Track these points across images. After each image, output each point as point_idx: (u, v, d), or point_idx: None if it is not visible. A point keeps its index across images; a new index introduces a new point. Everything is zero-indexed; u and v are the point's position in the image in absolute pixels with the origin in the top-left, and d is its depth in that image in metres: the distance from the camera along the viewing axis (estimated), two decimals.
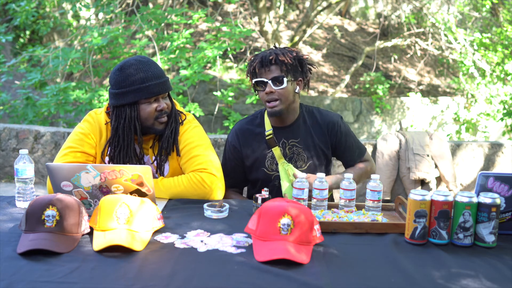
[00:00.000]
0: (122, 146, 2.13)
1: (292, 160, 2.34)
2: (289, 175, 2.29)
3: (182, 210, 1.93)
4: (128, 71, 2.07)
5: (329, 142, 2.38)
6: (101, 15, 8.11)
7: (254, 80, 2.27)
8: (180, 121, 2.23)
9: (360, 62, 9.44)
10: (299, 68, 2.27)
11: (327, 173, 2.44)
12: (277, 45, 2.61)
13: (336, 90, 9.14)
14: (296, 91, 2.29)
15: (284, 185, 2.30)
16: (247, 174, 2.42)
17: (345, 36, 11.04)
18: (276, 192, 2.35)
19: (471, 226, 1.61)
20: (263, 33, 8.45)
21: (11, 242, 1.54)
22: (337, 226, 1.71)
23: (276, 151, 2.33)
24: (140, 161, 2.20)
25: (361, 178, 2.42)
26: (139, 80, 2.06)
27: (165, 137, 2.16)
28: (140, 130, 2.13)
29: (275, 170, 2.36)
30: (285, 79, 2.21)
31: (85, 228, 1.61)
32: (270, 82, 2.22)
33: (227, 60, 8.76)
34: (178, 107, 2.28)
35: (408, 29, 9.71)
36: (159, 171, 2.21)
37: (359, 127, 8.71)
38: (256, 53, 2.38)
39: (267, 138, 2.34)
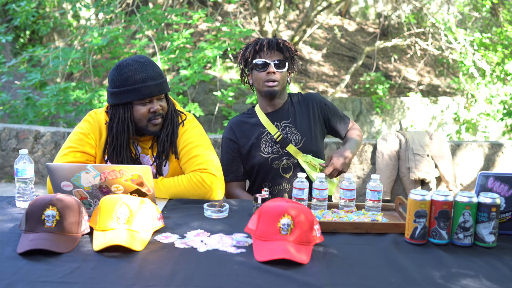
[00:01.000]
0: (115, 146, 2.13)
1: (287, 139, 2.44)
2: (314, 165, 2.41)
3: (182, 210, 1.93)
4: (123, 71, 2.07)
5: (320, 117, 2.52)
6: (101, 15, 8.11)
7: (255, 61, 2.38)
8: (181, 121, 2.23)
9: (360, 62, 9.44)
10: (292, 60, 2.44)
11: (320, 147, 2.54)
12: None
13: (336, 90, 9.14)
14: (288, 79, 2.49)
15: (314, 176, 2.40)
16: (244, 163, 2.49)
17: (345, 36, 11.04)
18: (274, 174, 2.44)
19: (471, 226, 1.61)
20: (263, 33, 8.44)
21: (11, 242, 1.54)
22: (337, 226, 1.71)
23: (291, 148, 2.43)
24: (135, 161, 2.19)
25: (359, 144, 2.56)
26: (134, 81, 2.06)
27: (161, 140, 2.16)
28: (133, 130, 2.13)
29: (270, 153, 2.44)
30: (286, 63, 2.40)
31: (85, 228, 1.61)
32: (272, 64, 2.37)
33: (227, 60, 8.76)
34: (178, 107, 2.28)
35: (408, 29, 9.71)
36: (158, 173, 2.20)
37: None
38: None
39: (277, 140, 2.43)
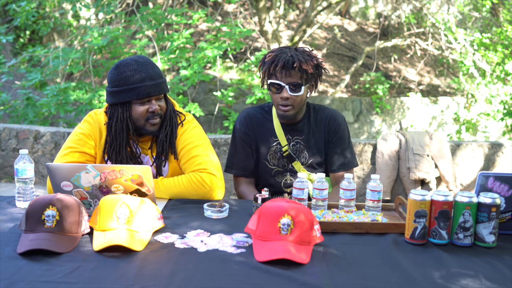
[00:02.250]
0: (115, 145, 2.14)
1: (294, 156, 2.36)
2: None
3: (182, 210, 1.93)
4: (122, 70, 2.08)
5: (327, 138, 2.38)
6: (101, 15, 8.10)
7: (270, 81, 2.23)
8: (180, 121, 2.23)
9: (360, 62, 9.43)
10: (316, 75, 2.26)
11: (325, 173, 2.44)
12: (292, 46, 2.45)
13: (336, 90, 9.14)
14: (308, 95, 2.30)
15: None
16: None
17: (345, 36, 11.04)
18: (275, 186, 2.38)
19: (471, 226, 1.61)
20: (263, 33, 8.44)
21: (11, 242, 1.54)
22: (337, 226, 1.71)
23: (297, 165, 2.35)
24: (135, 160, 2.19)
25: None
26: (132, 80, 2.06)
27: (160, 141, 2.16)
28: (133, 129, 2.13)
29: (276, 165, 2.37)
30: (302, 87, 2.20)
31: (85, 228, 1.61)
32: (287, 87, 2.19)
33: (227, 60, 8.76)
34: (178, 107, 2.28)
35: (408, 29, 9.70)
36: (158, 173, 2.20)
37: (359, 127, 8.71)
38: (271, 49, 2.34)
39: (284, 154, 2.34)
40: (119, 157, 2.14)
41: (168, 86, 2.23)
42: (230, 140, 2.47)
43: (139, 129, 2.15)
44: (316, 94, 9.19)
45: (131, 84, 2.06)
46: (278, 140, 2.36)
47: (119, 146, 2.14)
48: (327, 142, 2.39)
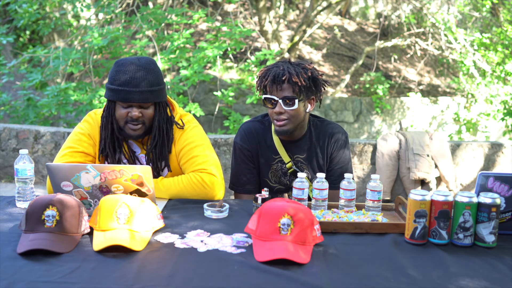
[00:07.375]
0: (105, 139, 2.14)
1: (296, 174, 2.27)
2: None
3: (182, 210, 1.93)
4: (117, 69, 2.07)
5: (328, 154, 2.32)
6: (101, 15, 8.11)
7: (264, 96, 2.18)
8: (180, 126, 2.20)
9: (360, 62, 9.43)
10: (312, 87, 2.17)
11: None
12: (290, 59, 2.30)
13: (336, 90, 9.14)
14: (307, 110, 2.21)
15: None
16: None
17: (345, 36, 11.04)
18: None
19: (471, 226, 1.61)
20: (263, 33, 8.45)
21: (11, 242, 1.54)
22: (337, 226, 1.71)
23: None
24: (130, 156, 2.19)
25: None
26: (119, 82, 2.03)
27: (148, 153, 2.14)
28: (117, 128, 2.11)
29: (277, 183, 2.34)
30: (296, 100, 2.12)
31: (85, 228, 1.61)
32: (280, 101, 2.12)
33: (227, 60, 8.76)
34: (177, 108, 2.26)
35: (408, 29, 9.70)
36: (156, 173, 2.19)
37: (359, 127, 8.71)
38: (267, 64, 2.24)
39: (289, 171, 2.29)
40: (104, 152, 2.14)
41: (168, 87, 2.22)
42: (231, 154, 2.40)
43: (120, 129, 2.13)
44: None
45: (116, 85, 2.04)
46: (279, 157, 2.29)
47: (104, 140, 2.13)
48: (328, 158, 2.33)
